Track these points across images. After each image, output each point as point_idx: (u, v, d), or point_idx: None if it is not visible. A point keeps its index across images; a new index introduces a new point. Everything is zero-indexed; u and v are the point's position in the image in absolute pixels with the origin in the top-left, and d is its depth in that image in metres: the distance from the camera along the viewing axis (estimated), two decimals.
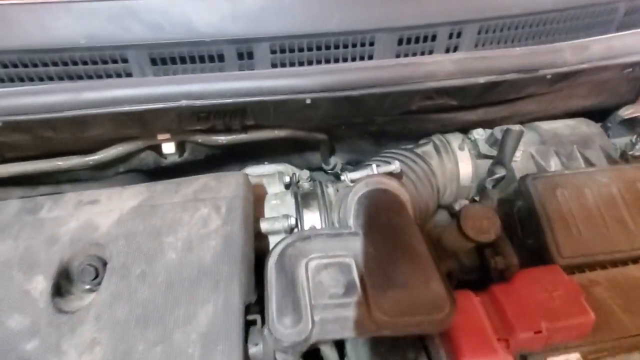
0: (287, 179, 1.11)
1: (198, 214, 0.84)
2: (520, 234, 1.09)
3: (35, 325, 0.70)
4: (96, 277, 0.79)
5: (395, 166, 0.97)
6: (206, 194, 0.88)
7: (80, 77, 0.89)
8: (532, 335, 0.83)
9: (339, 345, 0.86)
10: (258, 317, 0.74)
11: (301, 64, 0.90)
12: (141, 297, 0.73)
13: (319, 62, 0.91)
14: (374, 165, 0.95)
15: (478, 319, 0.84)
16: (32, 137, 0.93)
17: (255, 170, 1.21)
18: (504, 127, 1.11)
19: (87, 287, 0.79)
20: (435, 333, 0.73)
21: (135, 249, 0.80)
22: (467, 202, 1.23)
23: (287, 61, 0.90)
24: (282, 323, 0.68)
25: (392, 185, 0.91)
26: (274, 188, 1.10)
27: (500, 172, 1.13)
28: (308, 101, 0.80)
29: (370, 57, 0.92)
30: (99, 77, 0.89)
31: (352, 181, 0.96)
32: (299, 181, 1.09)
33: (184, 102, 0.76)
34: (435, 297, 0.70)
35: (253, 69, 0.90)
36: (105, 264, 0.80)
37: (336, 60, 0.89)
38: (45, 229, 0.84)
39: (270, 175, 1.12)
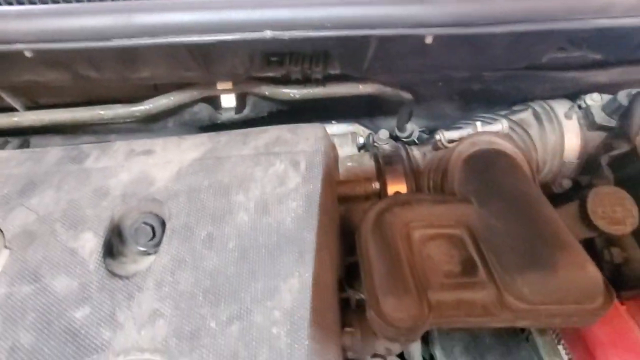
0: (361, 140, 0.95)
1: (273, 170, 0.70)
2: None
3: (85, 290, 0.58)
4: (153, 237, 0.65)
5: (503, 125, 0.79)
6: (281, 147, 0.73)
7: None
8: None
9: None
10: (354, 294, 0.60)
11: None
12: (209, 266, 0.59)
13: None
14: (478, 123, 0.78)
15: (629, 333, 0.67)
16: (71, 77, 0.79)
17: None
18: (633, 91, 0.92)
19: (143, 249, 0.66)
20: (587, 326, 0.56)
21: (199, 207, 0.66)
22: (570, 182, 1.04)
23: None
24: (391, 305, 0.53)
25: (507, 146, 0.74)
26: (346, 149, 0.94)
27: (622, 147, 0.94)
28: (429, 40, 0.62)
29: None
30: None
31: (449, 142, 0.80)
32: (375, 142, 0.93)
33: (268, 33, 0.60)
34: (591, 283, 0.54)
35: None
36: (163, 223, 0.66)
37: None
38: (92, 180, 0.71)
39: (342, 135, 0.96)
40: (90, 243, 0.63)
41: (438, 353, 0.68)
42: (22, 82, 0.77)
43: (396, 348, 0.58)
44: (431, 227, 0.64)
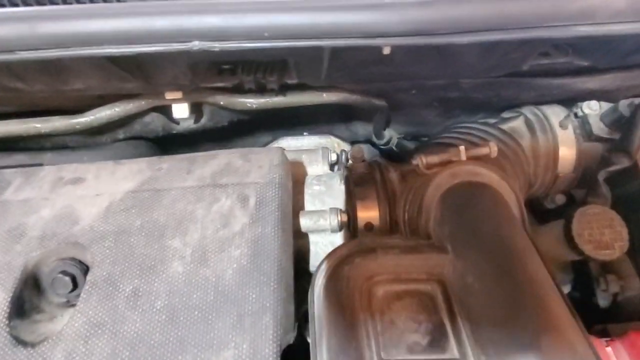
0: (334, 157, 0.85)
1: (217, 207, 0.60)
2: None
3: None
4: (74, 289, 0.56)
5: (491, 149, 0.69)
6: (229, 177, 0.63)
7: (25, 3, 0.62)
8: None
9: None
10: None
11: None
12: (131, 331, 0.50)
13: None
14: (461, 148, 0.67)
15: None
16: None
17: (291, 144, 0.95)
18: (636, 100, 0.80)
19: (63, 299, 0.57)
20: None
21: (127, 254, 0.56)
22: (563, 197, 0.94)
23: None
24: None
25: (492, 177, 0.63)
26: (315, 168, 0.84)
27: (622, 163, 0.83)
28: (386, 50, 0.51)
29: None
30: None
31: (428, 167, 0.69)
32: (348, 160, 0.83)
33: (196, 44, 0.49)
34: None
35: None
36: (87, 271, 0.57)
37: None
38: (9, 216, 0.61)
39: (312, 151, 0.86)
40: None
41: None
42: None
43: None
44: (398, 282, 0.54)
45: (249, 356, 0.48)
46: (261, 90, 0.73)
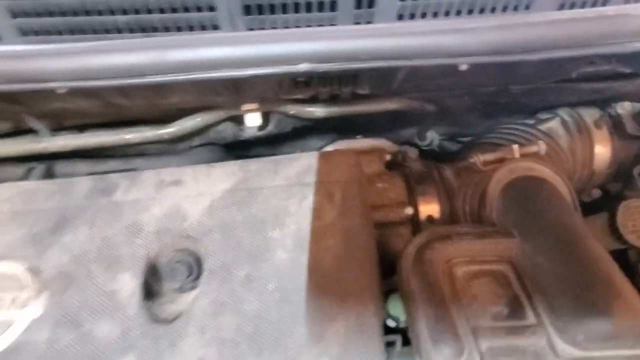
0: (388, 157, 0.93)
1: (306, 203, 0.68)
2: None
3: (128, 337, 0.57)
4: (189, 275, 0.65)
5: (540, 147, 0.77)
6: (313, 177, 0.72)
7: (154, 29, 0.72)
8: None
9: None
10: (398, 338, 0.59)
11: (435, 15, 0.70)
12: (250, 309, 0.59)
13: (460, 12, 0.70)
14: (514, 147, 0.76)
15: None
16: (100, 105, 0.78)
17: (346, 146, 1.03)
18: None
19: (179, 287, 0.65)
20: None
21: (235, 245, 0.65)
22: (599, 191, 1.02)
23: (419, 11, 0.70)
24: (444, 355, 0.52)
25: (546, 172, 0.72)
26: (372, 167, 0.92)
27: None
28: (464, 67, 0.60)
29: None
30: (178, 29, 0.72)
31: (485, 164, 0.78)
32: (405, 160, 0.91)
33: (303, 67, 0.58)
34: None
35: (371, 22, 0.71)
36: (198, 260, 0.65)
37: (493, 10, 0.67)
38: (124, 215, 0.70)
39: (368, 153, 0.94)
40: (129, 285, 0.62)
41: None
42: (50, 110, 0.76)
43: None
44: (474, 263, 0.62)
45: (358, 327, 0.56)
46: (333, 99, 0.82)
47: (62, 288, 0.62)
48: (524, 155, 0.76)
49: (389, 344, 0.59)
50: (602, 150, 0.98)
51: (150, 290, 0.63)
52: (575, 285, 0.56)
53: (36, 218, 0.70)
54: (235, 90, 0.73)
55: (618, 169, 1.00)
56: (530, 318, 0.56)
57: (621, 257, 0.99)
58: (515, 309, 0.57)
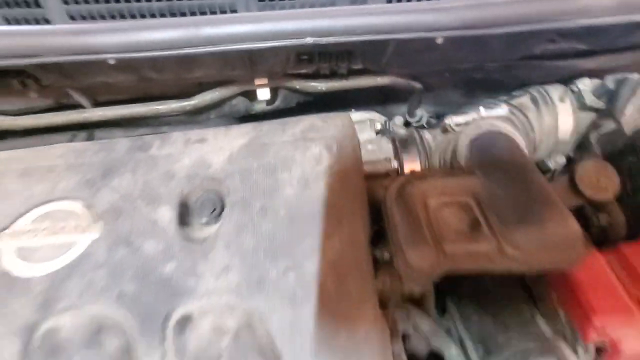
0: (379, 126, 1.09)
1: (310, 153, 0.84)
2: (629, 190, 1.04)
3: (170, 250, 0.72)
4: (214, 210, 0.80)
5: (504, 110, 0.93)
6: (315, 133, 0.87)
7: (182, 14, 0.88)
8: None
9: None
10: (384, 251, 0.74)
11: None
12: (266, 230, 0.74)
13: None
14: (481, 108, 0.92)
15: (607, 278, 0.81)
16: (135, 78, 0.93)
17: None
18: (619, 76, 1.04)
19: (206, 220, 0.80)
20: (568, 269, 0.71)
21: (252, 184, 0.80)
22: (564, 158, 1.17)
23: None
24: (414, 255, 0.67)
25: (507, 128, 0.87)
26: (365, 134, 1.08)
27: (609, 126, 1.07)
28: (439, 40, 0.76)
29: None
30: (202, 13, 0.88)
31: (457, 125, 0.93)
32: (391, 128, 1.07)
33: (308, 40, 0.74)
34: (572, 233, 0.68)
35: (365, 2, 0.87)
36: (221, 198, 0.81)
37: None
38: (159, 165, 0.85)
39: (361, 122, 1.10)
40: (167, 216, 0.77)
41: (452, 300, 0.83)
42: (94, 84, 0.91)
43: (416, 290, 0.72)
44: (444, 195, 0.78)
45: (350, 240, 0.71)
46: (332, 74, 0.98)
47: (114, 217, 0.77)
48: (489, 117, 0.92)
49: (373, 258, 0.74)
50: (566, 121, 1.14)
51: (184, 220, 0.79)
52: (520, 204, 0.71)
53: (87, 169, 0.86)
54: (250, 65, 0.88)
55: (579, 139, 1.15)
56: (485, 231, 0.71)
57: (579, 212, 1.14)
58: (475, 226, 0.73)
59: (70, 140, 1.03)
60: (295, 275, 0.68)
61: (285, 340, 0.63)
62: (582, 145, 1.13)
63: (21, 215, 0.79)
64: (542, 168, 1.22)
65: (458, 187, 0.78)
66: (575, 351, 0.73)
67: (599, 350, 0.75)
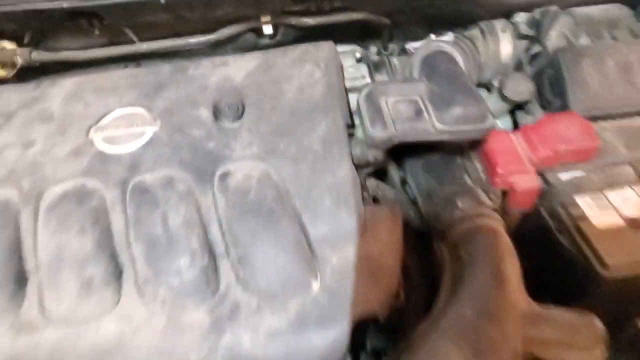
0: (358, 55, 1.40)
1: (304, 70, 1.15)
2: (548, 95, 1.36)
3: (210, 135, 1.06)
4: (237, 110, 1.13)
5: (449, 37, 1.23)
6: (308, 56, 1.18)
7: None
8: (551, 154, 1.14)
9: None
10: (354, 131, 1.08)
11: None
12: (275, 120, 1.07)
13: None
14: (432, 35, 1.22)
15: (512, 146, 1.16)
16: (172, 18, 1.24)
17: None
18: (542, 9, 1.33)
19: (232, 117, 1.13)
20: (480, 138, 1.04)
21: (263, 92, 1.12)
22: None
23: None
24: (375, 129, 1.01)
25: (448, 48, 1.18)
26: (348, 62, 1.39)
27: (536, 49, 1.38)
28: None
29: None
30: None
31: (414, 49, 1.24)
32: (369, 57, 1.38)
33: None
34: (480, 112, 1.01)
35: None
36: (243, 102, 1.13)
37: None
38: (195, 81, 1.17)
39: (345, 52, 1.41)
40: (205, 114, 1.10)
41: (408, 170, 1.18)
42: (142, 22, 1.22)
43: (379, 155, 1.06)
44: (400, 95, 1.10)
45: (334, 124, 1.04)
46: (318, 11, 1.27)
47: (168, 116, 1.10)
48: (437, 41, 1.23)
49: (350, 135, 1.08)
50: (506, 47, 1.44)
51: (217, 117, 1.12)
52: (448, 96, 1.04)
53: (142, 86, 1.18)
54: (257, 4, 1.19)
55: (515, 61, 1.46)
56: (425, 116, 1.04)
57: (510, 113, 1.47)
58: (419, 114, 1.05)
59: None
60: (295, 146, 1.02)
61: (290, 182, 0.98)
62: (517, 66, 1.44)
63: (103, 116, 1.12)
64: (489, 87, 1.54)
65: (410, 89, 1.11)
66: (487, 194, 1.09)
67: (504, 194, 1.11)
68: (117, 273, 0.91)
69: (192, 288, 0.88)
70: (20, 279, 0.92)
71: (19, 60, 1.26)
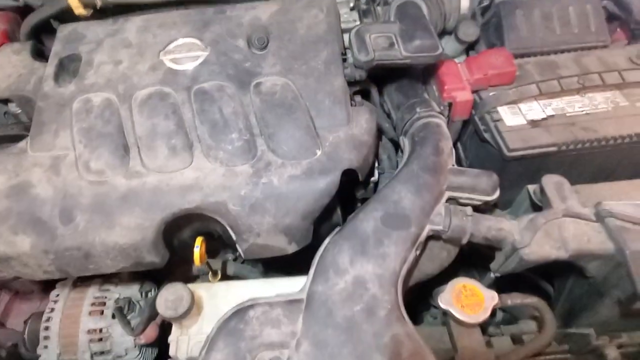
0: (352, 4, 1.84)
1: (312, 13, 1.61)
2: (492, 38, 1.83)
3: (246, 58, 1.52)
4: (264, 42, 1.58)
5: None
6: (314, 3, 1.63)
7: None
8: (482, 77, 1.63)
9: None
10: (347, 57, 1.55)
11: None
12: (291, 48, 1.53)
13: None
14: None
15: (457, 71, 1.64)
16: None
17: None
18: None
19: (260, 46, 1.59)
20: (433, 62, 1.53)
21: (282, 29, 1.58)
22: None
23: None
24: (361, 54, 1.48)
25: (418, 0, 1.64)
26: (343, 10, 1.83)
27: (486, 2, 1.83)
28: None
29: None
30: None
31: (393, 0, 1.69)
32: (359, 6, 1.83)
33: None
34: (435, 44, 1.48)
35: None
36: (268, 36, 1.59)
37: None
38: (232, 20, 1.62)
39: (341, 2, 1.85)
40: (242, 44, 1.55)
41: (384, 91, 1.67)
42: None
43: (363, 75, 1.54)
44: (381, 33, 1.57)
45: (332, 52, 1.51)
46: None
47: (215, 44, 1.56)
48: None
49: (344, 60, 1.55)
50: (465, 1, 1.89)
51: (250, 46, 1.57)
52: (410, 30, 1.50)
53: (193, 23, 1.62)
54: None
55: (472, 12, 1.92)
56: (396, 46, 1.52)
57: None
58: (391, 45, 1.52)
59: None
60: (305, 66, 1.49)
61: (302, 89, 1.46)
62: (472, 16, 1.89)
63: (168, 44, 1.57)
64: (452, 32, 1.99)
65: (386, 28, 1.57)
66: (438, 106, 1.58)
67: (450, 106, 1.61)
68: (190, 144, 1.40)
69: (239, 152, 1.38)
70: (125, 148, 1.41)
71: (99, 2, 1.69)
